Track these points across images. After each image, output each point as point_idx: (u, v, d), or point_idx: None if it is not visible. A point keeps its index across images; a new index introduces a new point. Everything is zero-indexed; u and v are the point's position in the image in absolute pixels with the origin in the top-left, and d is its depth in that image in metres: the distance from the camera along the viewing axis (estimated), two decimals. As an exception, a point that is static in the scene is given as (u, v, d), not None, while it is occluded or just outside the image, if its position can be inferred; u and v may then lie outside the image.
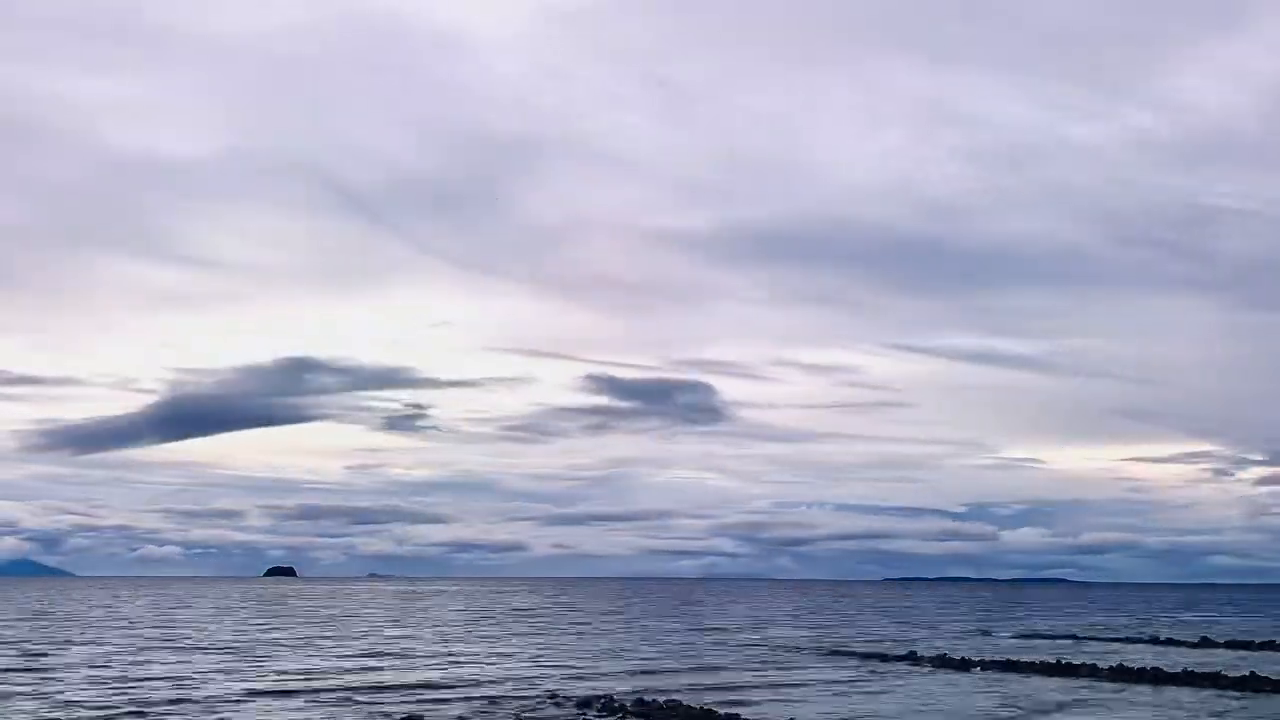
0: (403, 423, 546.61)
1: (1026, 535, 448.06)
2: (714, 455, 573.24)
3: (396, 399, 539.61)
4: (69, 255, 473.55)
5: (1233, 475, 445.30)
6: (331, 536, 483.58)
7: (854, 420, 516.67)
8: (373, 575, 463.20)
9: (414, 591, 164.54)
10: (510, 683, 31.61)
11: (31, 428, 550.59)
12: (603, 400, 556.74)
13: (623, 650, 45.07)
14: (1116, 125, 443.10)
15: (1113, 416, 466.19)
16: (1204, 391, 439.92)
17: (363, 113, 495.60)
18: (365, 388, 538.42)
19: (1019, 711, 26.72)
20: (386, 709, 25.94)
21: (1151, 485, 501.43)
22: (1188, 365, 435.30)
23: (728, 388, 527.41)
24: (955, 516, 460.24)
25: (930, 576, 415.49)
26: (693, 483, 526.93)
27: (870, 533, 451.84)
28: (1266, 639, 52.27)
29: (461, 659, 39.83)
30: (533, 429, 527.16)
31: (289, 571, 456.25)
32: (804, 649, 46.46)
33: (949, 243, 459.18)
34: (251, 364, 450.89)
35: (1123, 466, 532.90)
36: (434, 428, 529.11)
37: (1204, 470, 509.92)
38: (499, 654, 42.49)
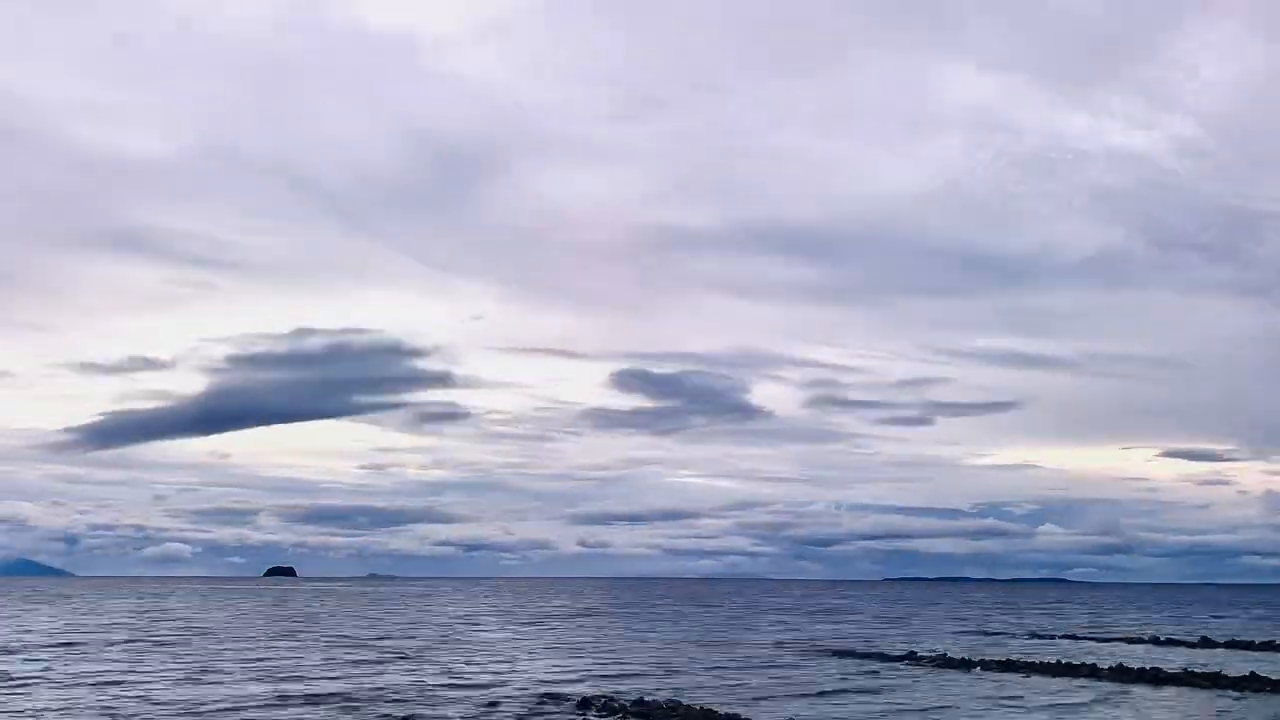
0: (413, 422, 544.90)
1: (1051, 536, 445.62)
2: (733, 455, 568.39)
3: (407, 399, 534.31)
4: (52, 255, 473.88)
5: (1264, 476, 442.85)
6: (334, 536, 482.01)
7: (874, 420, 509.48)
8: (373, 575, 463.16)
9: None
10: (511, 683, 31.71)
11: (32, 427, 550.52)
12: (621, 399, 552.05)
13: (621, 652, 45.13)
14: (1160, 132, 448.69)
15: (1143, 417, 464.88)
16: (1237, 393, 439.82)
17: (341, 114, 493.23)
18: (371, 387, 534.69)
19: (1020, 711, 26.79)
20: (386, 711, 26.05)
21: (1182, 486, 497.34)
22: (1221, 366, 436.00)
23: (747, 387, 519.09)
24: (979, 516, 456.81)
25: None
26: (711, 482, 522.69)
27: (893, 532, 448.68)
28: (1267, 639, 52.33)
29: (468, 660, 39.91)
30: (548, 428, 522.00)
31: (289, 571, 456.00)
32: (806, 649, 46.52)
33: (984, 245, 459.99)
34: (255, 362, 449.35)
35: (1153, 466, 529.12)
36: (446, 427, 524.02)
37: (1235, 471, 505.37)
38: (503, 656, 42.56)
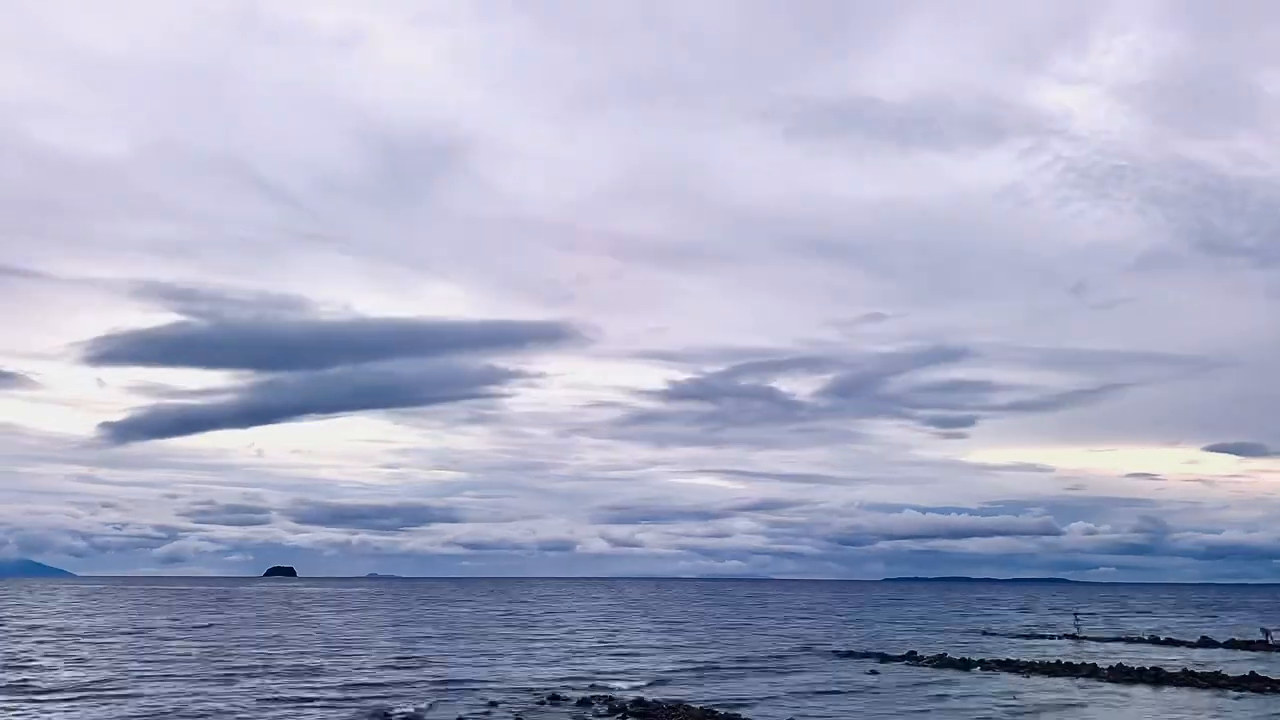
0: (427, 421, 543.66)
1: (1082, 535, 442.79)
2: (758, 455, 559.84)
3: (421, 397, 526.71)
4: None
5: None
6: (339, 535, 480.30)
7: (909, 421, 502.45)
8: (373, 575, 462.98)
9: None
10: (512, 683, 31.80)
11: (44, 428, 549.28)
12: (645, 400, 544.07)
13: (623, 651, 45.19)
14: (1224, 144, 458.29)
15: (1187, 415, 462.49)
16: (1272, 395, 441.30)
17: (294, 112, 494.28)
18: (382, 384, 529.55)
19: (1021, 711, 26.86)
20: (390, 707, 26.15)
21: (1219, 486, 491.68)
22: (1259, 367, 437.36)
23: (777, 387, 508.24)
24: (1011, 513, 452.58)
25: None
26: (736, 483, 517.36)
27: (926, 532, 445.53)
28: (1261, 639, 52.30)
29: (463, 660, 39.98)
30: (568, 429, 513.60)
31: (289, 571, 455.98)
32: (807, 649, 46.62)
33: (1031, 247, 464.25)
34: (265, 356, 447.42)
35: (1194, 466, 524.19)
36: (461, 427, 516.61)
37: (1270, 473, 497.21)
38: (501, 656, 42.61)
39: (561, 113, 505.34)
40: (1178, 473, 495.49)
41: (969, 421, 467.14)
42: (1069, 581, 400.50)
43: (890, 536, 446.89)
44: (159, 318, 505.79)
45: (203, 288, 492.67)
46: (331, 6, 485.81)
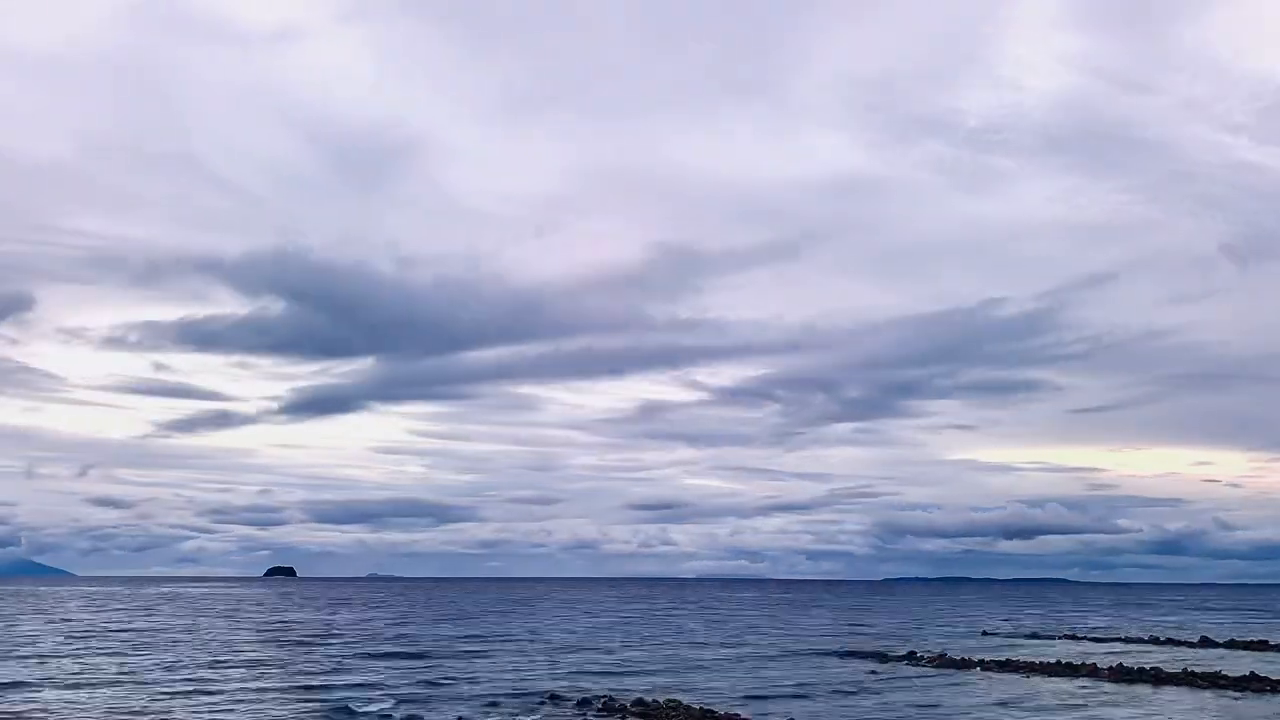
0: (435, 418, 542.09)
1: (1131, 536, 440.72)
2: (786, 456, 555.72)
3: (428, 393, 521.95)
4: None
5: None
6: (354, 535, 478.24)
7: (938, 424, 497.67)
8: (372, 575, 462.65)
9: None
10: (512, 683, 31.74)
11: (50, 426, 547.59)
12: (684, 392, 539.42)
13: (621, 652, 45.16)
14: None
15: (1236, 420, 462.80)
16: None
17: (235, 111, 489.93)
18: (389, 383, 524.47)
19: (1020, 710, 26.82)
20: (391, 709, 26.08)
21: (1244, 488, 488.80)
22: None
23: (807, 388, 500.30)
24: (1045, 513, 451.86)
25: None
26: (760, 483, 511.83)
27: (965, 531, 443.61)
28: (1261, 638, 52.32)
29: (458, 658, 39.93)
30: (586, 429, 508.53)
31: (289, 571, 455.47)
32: (807, 649, 46.58)
33: (1081, 252, 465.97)
34: (277, 351, 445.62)
35: (1236, 469, 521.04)
36: (477, 426, 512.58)
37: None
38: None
39: (511, 109, 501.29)
40: (1221, 474, 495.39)
41: (1008, 421, 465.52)
42: (1069, 582, 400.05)
43: (924, 535, 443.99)
44: (165, 315, 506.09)
45: (204, 284, 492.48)
46: (259, 3, 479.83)
